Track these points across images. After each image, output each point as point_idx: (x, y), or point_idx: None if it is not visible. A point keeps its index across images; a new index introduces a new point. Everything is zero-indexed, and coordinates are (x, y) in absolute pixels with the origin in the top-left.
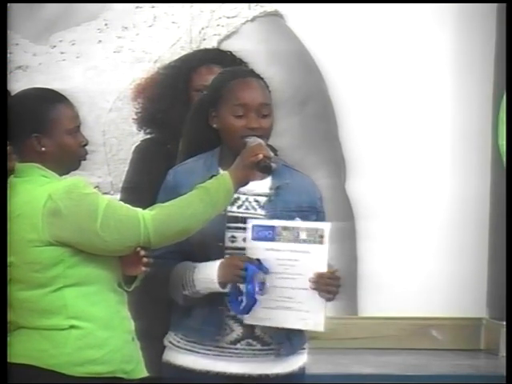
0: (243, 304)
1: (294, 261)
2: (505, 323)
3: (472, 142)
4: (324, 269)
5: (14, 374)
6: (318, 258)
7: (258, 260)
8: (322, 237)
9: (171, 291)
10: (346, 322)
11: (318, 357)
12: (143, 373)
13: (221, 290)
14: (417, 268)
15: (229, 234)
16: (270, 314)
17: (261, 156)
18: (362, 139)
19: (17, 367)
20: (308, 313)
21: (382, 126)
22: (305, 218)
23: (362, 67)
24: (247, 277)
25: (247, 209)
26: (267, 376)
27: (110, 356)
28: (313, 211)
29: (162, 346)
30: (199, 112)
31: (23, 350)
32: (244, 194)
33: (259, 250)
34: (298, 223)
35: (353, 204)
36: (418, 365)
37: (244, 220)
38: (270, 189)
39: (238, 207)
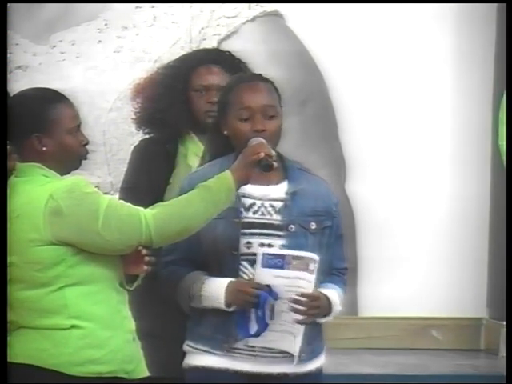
0: (254, 329)
1: (302, 288)
2: (505, 323)
3: (472, 142)
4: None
5: (14, 373)
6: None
7: (268, 286)
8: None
9: (179, 300)
10: (346, 322)
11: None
12: (144, 373)
13: (226, 309)
14: (417, 268)
15: (244, 241)
16: (275, 337)
17: (262, 154)
18: (362, 139)
19: (17, 367)
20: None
21: (382, 126)
22: (320, 223)
23: (362, 67)
24: (259, 304)
25: (263, 214)
26: (286, 375)
27: (110, 356)
28: (328, 216)
29: (163, 345)
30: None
31: (24, 349)
32: (260, 199)
33: (268, 276)
34: (306, 253)
35: (353, 204)
36: (418, 365)
37: (260, 226)
38: (286, 194)
39: (254, 213)
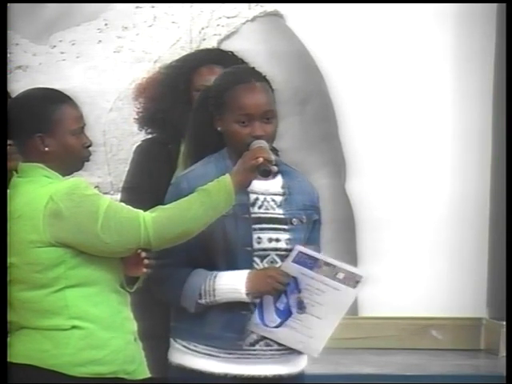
0: (279, 320)
1: (321, 291)
2: (505, 323)
3: (472, 142)
4: (343, 311)
5: (15, 374)
6: (344, 298)
7: (295, 278)
8: (356, 282)
9: (183, 299)
10: (346, 322)
11: (318, 357)
12: (146, 373)
13: (246, 300)
14: (417, 268)
15: (255, 236)
16: (279, 330)
17: (261, 160)
18: (362, 139)
19: (18, 367)
20: (311, 338)
21: (382, 126)
22: (309, 217)
23: (362, 67)
24: (287, 292)
25: (267, 209)
26: (281, 376)
27: (111, 356)
28: (314, 210)
29: (165, 346)
30: (201, 114)
31: (25, 350)
32: (262, 193)
33: (295, 271)
34: (339, 263)
35: (353, 204)
36: (418, 365)
37: (267, 220)
38: (282, 188)
39: (259, 207)
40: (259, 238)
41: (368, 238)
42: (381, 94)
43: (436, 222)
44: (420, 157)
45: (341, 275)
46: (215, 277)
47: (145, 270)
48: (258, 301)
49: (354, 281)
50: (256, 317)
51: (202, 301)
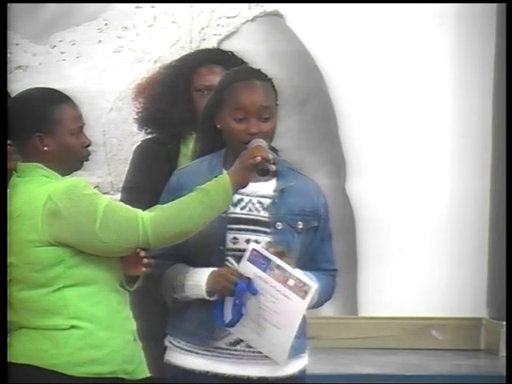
0: (229, 318)
1: (274, 298)
2: (505, 323)
3: (472, 142)
4: (297, 322)
5: (14, 374)
6: (295, 309)
7: (249, 279)
8: (305, 293)
9: (163, 292)
10: (346, 322)
11: (319, 357)
12: (145, 373)
13: (207, 298)
14: (417, 268)
15: (230, 236)
16: (246, 332)
17: (259, 159)
18: (362, 139)
19: (17, 367)
20: (273, 346)
21: (383, 126)
22: (307, 223)
23: (362, 67)
24: (236, 292)
25: (250, 210)
26: (266, 379)
27: (110, 356)
28: (315, 216)
29: (164, 346)
30: (207, 113)
31: (24, 349)
32: (248, 195)
33: (250, 272)
34: (290, 269)
35: (353, 204)
36: (418, 365)
37: (247, 221)
38: (274, 191)
39: (242, 208)
40: (235, 238)
41: (368, 238)
42: (381, 94)
43: (436, 222)
44: (420, 157)
45: (291, 282)
46: (187, 272)
47: (144, 269)
48: (219, 299)
49: (303, 290)
50: (219, 315)
51: (176, 295)
